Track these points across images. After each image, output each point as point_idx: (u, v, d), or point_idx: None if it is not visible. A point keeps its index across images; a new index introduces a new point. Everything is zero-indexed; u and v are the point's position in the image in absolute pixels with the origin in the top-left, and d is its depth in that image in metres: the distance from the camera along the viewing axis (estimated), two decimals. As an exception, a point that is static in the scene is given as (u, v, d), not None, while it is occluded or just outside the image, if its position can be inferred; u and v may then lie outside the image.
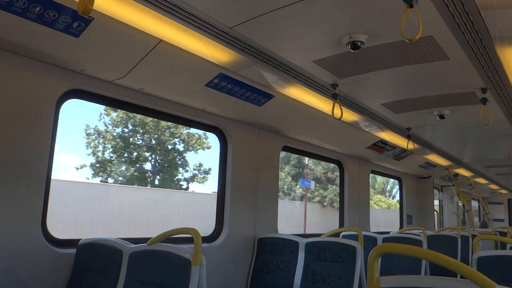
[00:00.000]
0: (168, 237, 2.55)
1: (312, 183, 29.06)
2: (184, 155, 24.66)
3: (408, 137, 5.44)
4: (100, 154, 21.78)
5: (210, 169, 25.17)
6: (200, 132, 24.49)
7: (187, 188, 24.61)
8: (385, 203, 36.20)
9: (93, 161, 21.60)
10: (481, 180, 10.55)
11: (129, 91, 3.19)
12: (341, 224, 6.08)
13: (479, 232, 6.88)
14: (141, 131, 22.73)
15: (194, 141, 24.38)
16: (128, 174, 22.45)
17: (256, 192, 4.34)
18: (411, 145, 5.53)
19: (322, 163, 28.35)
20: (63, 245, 2.82)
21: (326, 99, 3.82)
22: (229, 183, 4.06)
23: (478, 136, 6.00)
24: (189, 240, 3.49)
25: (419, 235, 4.86)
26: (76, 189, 15.79)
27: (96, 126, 22.22)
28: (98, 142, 21.68)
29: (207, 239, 3.91)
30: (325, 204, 29.43)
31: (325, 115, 4.15)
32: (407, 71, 3.35)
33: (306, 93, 3.72)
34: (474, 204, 13.55)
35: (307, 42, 2.87)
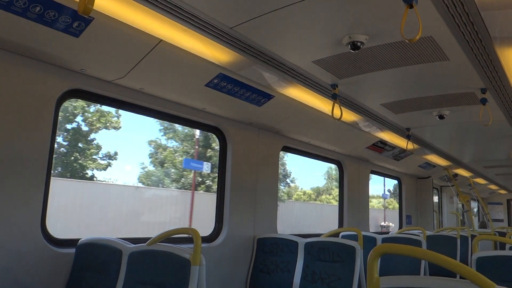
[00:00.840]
0: (167, 237, 2.55)
1: (206, 165, 21.82)
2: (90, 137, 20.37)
3: (408, 137, 5.44)
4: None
5: (116, 153, 21.23)
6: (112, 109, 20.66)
7: (92, 178, 20.56)
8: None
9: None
10: (481, 181, 10.56)
11: (129, 91, 3.19)
12: (341, 224, 6.08)
13: (478, 232, 6.89)
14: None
15: (95, 118, 20.05)
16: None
17: (256, 192, 4.34)
18: (410, 146, 5.54)
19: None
20: (63, 245, 2.82)
21: (326, 99, 3.82)
22: (229, 183, 4.06)
23: (477, 137, 6.00)
24: (189, 240, 3.49)
25: (419, 236, 4.87)
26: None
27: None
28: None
29: (207, 239, 3.91)
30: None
31: (325, 115, 4.15)
32: (407, 71, 3.36)
33: (306, 94, 3.72)
34: (473, 204, 13.56)
35: (307, 42, 2.87)
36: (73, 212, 14.23)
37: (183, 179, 24.00)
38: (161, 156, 24.22)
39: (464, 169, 8.59)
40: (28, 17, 2.18)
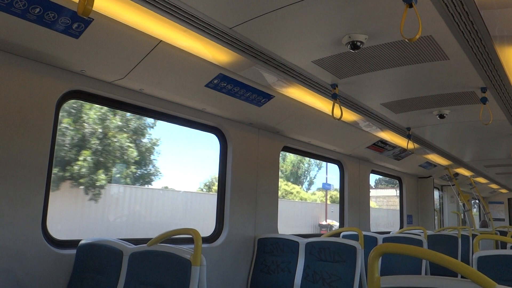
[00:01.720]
0: (168, 238, 2.55)
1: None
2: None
3: (408, 137, 5.44)
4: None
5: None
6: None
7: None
8: (296, 194, 28.73)
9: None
10: (481, 180, 10.55)
11: (129, 92, 3.19)
12: (341, 224, 6.08)
13: (479, 231, 6.88)
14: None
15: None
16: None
17: (256, 192, 4.34)
18: (411, 145, 5.54)
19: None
20: (63, 246, 2.82)
21: (326, 99, 3.82)
22: (229, 184, 4.06)
23: (478, 136, 6.00)
24: (189, 241, 3.49)
25: (420, 235, 4.87)
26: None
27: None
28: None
29: (207, 240, 3.91)
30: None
31: (325, 115, 4.15)
32: (407, 71, 3.35)
33: (306, 93, 3.72)
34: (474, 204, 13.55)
35: (306, 42, 2.87)
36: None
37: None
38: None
39: (465, 168, 8.59)
40: (28, 18, 2.18)
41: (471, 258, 2.78)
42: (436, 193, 10.15)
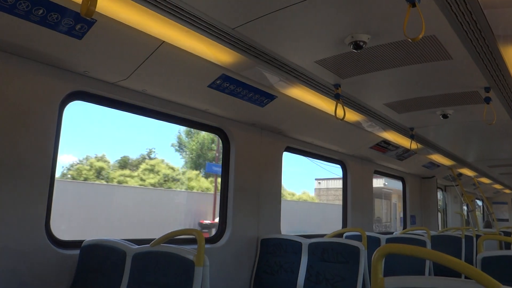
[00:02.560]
0: (171, 238, 2.55)
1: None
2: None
3: (411, 137, 5.42)
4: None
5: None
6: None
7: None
8: (186, 183, 22.42)
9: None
10: (485, 180, 10.51)
11: (132, 92, 3.20)
12: (344, 224, 6.07)
13: (483, 232, 6.85)
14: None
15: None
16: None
17: (259, 192, 4.33)
18: (414, 145, 5.52)
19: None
20: (67, 246, 2.83)
21: (329, 99, 3.82)
22: (232, 184, 4.06)
23: (481, 136, 5.98)
24: (192, 241, 3.49)
25: (423, 236, 4.85)
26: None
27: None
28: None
29: (210, 240, 3.91)
30: None
31: (328, 115, 4.14)
32: (410, 70, 3.35)
33: (309, 94, 3.71)
34: (478, 203, 13.50)
35: (309, 42, 2.87)
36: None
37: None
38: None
39: (469, 168, 8.56)
40: (31, 19, 2.19)
41: (475, 258, 2.77)
42: (439, 194, 10.12)
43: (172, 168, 24.26)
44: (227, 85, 3.29)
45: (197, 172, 25.52)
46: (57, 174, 2.83)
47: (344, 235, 5.06)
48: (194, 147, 26.47)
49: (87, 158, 23.39)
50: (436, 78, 3.52)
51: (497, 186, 12.06)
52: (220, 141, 4.21)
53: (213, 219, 17.79)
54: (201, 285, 2.21)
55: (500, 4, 2.33)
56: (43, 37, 2.35)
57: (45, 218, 2.68)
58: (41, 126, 2.66)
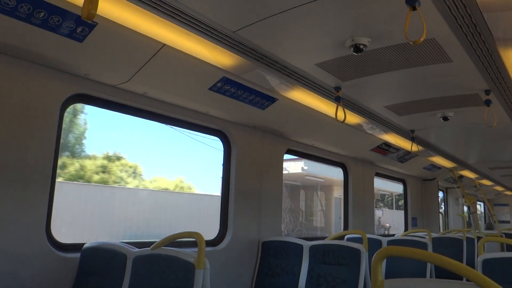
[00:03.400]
0: (171, 241, 2.55)
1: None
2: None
3: (412, 139, 5.42)
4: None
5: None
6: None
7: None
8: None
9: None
10: (486, 182, 10.50)
11: (133, 95, 3.20)
12: (346, 226, 6.07)
13: (484, 234, 6.84)
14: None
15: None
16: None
17: (260, 195, 4.33)
18: (415, 147, 5.52)
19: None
20: (68, 249, 2.83)
21: (330, 102, 3.82)
22: (233, 187, 4.06)
23: (482, 138, 5.98)
24: (193, 244, 3.49)
25: (424, 238, 4.84)
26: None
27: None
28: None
29: (211, 243, 3.91)
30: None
31: (329, 118, 4.15)
32: (410, 73, 3.35)
33: (309, 96, 3.72)
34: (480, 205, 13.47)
35: (310, 45, 2.87)
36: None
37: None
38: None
39: (470, 170, 8.55)
40: (33, 22, 2.19)
41: (476, 260, 2.76)
42: (440, 195, 10.11)
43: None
44: (228, 87, 3.30)
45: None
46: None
47: (345, 237, 5.06)
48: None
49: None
50: (436, 80, 3.52)
51: (499, 188, 12.04)
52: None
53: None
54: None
55: (500, 7, 2.33)
56: (44, 40, 2.36)
57: (46, 221, 2.68)
58: (42, 129, 2.67)
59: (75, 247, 2.86)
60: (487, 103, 3.74)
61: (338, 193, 18.29)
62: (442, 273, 4.20)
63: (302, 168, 16.48)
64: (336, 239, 4.09)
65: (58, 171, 2.82)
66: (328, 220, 19.47)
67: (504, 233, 7.37)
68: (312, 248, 3.76)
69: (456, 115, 4.51)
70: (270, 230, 4.40)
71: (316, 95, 3.67)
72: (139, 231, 13.13)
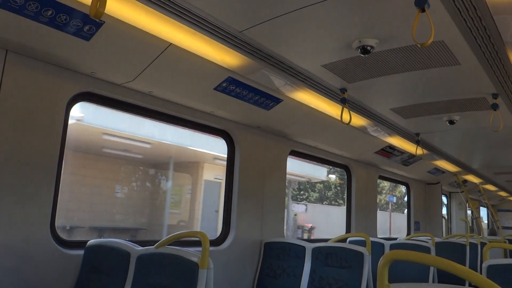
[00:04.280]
0: (175, 240, 2.55)
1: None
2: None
3: (417, 142, 5.40)
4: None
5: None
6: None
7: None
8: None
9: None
10: (490, 187, 10.45)
11: (138, 94, 3.20)
12: (348, 229, 6.05)
13: (488, 239, 6.80)
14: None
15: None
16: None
17: (263, 196, 4.32)
18: (419, 151, 5.50)
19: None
20: (71, 246, 2.83)
21: (335, 103, 3.81)
22: (236, 187, 4.06)
23: (488, 143, 5.94)
24: (196, 243, 3.48)
25: (427, 242, 4.82)
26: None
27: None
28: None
29: (214, 243, 3.90)
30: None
31: (334, 119, 4.13)
32: (417, 76, 3.33)
33: (315, 98, 3.70)
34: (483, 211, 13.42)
35: (316, 46, 2.86)
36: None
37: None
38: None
39: (474, 175, 8.51)
40: (40, 20, 2.19)
41: (479, 266, 2.74)
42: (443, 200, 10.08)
43: None
44: (233, 87, 3.29)
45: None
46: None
47: (348, 240, 5.04)
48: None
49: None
50: (443, 83, 3.50)
51: (503, 194, 11.99)
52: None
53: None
54: (205, 287, 2.21)
55: (510, 10, 2.31)
56: (51, 38, 2.36)
57: (51, 217, 2.69)
58: (48, 126, 2.67)
59: (79, 244, 2.86)
60: (494, 107, 3.72)
61: (212, 174, 12.11)
62: (444, 277, 4.18)
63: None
64: (338, 241, 4.07)
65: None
66: (192, 215, 12.13)
67: (508, 239, 7.33)
68: (314, 250, 3.75)
69: (462, 118, 4.49)
70: (273, 231, 4.38)
71: (322, 96, 3.66)
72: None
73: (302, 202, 22.82)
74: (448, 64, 3.02)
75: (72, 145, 8.55)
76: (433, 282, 4.31)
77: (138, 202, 11.81)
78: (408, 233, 7.87)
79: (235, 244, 3.95)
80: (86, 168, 10.18)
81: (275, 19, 2.48)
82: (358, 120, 4.36)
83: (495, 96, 3.60)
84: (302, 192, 24.38)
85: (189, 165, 12.13)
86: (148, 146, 10.08)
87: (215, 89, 3.24)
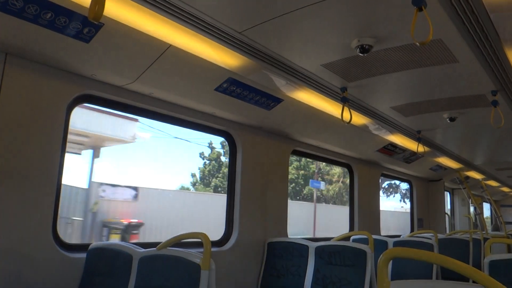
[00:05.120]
0: (177, 242, 2.56)
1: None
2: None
3: (418, 140, 5.40)
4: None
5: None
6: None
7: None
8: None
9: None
10: (493, 183, 10.44)
11: (139, 96, 3.21)
12: (351, 227, 6.05)
13: (491, 235, 6.80)
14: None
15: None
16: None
17: (266, 195, 4.33)
18: (421, 148, 5.50)
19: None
20: (74, 249, 2.84)
21: (335, 102, 3.81)
22: (238, 187, 4.06)
23: (489, 139, 5.94)
24: (199, 245, 3.49)
25: (430, 239, 4.82)
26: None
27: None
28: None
29: (217, 243, 3.91)
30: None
31: (334, 118, 4.14)
32: (417, 74, 3.34)
33: (315, 97, 3.71)
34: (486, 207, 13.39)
35: (315, 46, 2.87)
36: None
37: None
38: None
39: (476, 171, 8.50)
40: (40, 23, 2.21)
41: (483, 262, 2.74)
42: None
43: None
44: (234, 88, 3.30)
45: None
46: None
47: (351, 238, 5.04)
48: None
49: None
50: (442, 81, 3.50)
51: (505, 189, 11.96)
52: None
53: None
54: None
55: (507, 7, 2.32)
56: (51, 40, 2.37)
57: (52, 221, 2.70)
58: (48, 129, 2.68)
59: (81, 247, 2.87)
60: (494, 103, 3.72)
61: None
62: (448, 274, 4.19)
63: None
64: (341, 240, 4.08)
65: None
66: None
67: (511, 235, 7.32)
68: (318, 249, 3.76)
69: (463, 115, 4.49)
70: (276, 231, 4.39)
71: (322, 95, 3.67)
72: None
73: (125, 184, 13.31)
74: (447, 62, 3.03)
75: None
76: (437, 278, 4.31)
77: None
78: (411, 230, 7.87)
79: (238, 244, 3.96)
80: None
81: (274, 20, 2.48)
82: (359, 119, 4.36)
83: (494, 92, 3.60)
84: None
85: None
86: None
87: (216, 89, 3.25)
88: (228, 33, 2.61)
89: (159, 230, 12.01)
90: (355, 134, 4.94)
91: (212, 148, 25.12)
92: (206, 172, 25.00)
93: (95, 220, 11.01)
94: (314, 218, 19.40)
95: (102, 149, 11.25)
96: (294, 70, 3.21)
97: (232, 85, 3.25)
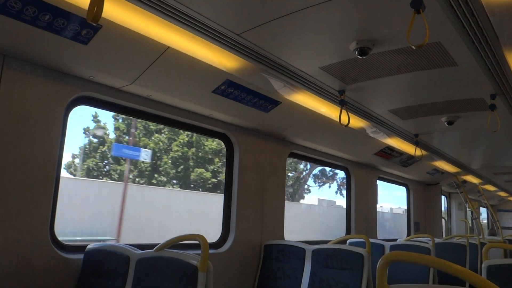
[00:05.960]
0: (175, 244, 2.55)
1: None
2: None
3: (416, 143, 5.41)
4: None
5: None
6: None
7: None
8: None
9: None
10: (490, 187, 10.46)
11: (137, 97, 3.21)
12: (348, 231, 6.04)
13: (488, 240, 6.80)
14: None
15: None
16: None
17: (263, 198, 4.32)
18: (418, 152, 5.50)
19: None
20: (71, 250, 2.83)
21: (333, 105, 3.81)
22: (235, 189, 4.06)
23: (487, 143, 5.95)
24: (196, 246, 3.48)
25: (427, 243, 4.82)
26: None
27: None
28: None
29: (213, 246, 3.90)
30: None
31: (332, 121, 4.14)
32: (415, 77, 3.34)
33: (313, 100, 3.71)
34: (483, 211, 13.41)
35: (314, 48, 2.87)
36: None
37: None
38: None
39: (473, 175, 8.52)
40: (38, 25, 2.20)
41: (479, 266, 2.74)
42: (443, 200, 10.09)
43: None
44: (232, 90, 3.29)
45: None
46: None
47: (348, 241, 5.04)
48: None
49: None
50: (441, 84, 3.51)
51: (502, 194, 11.99)
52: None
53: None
54: None
55: (506, 11, 2.32)
56: (49, 42, 2.36)
57: (49, 222, 2.68)
58: (46, 130, 2.67)
59: (78, 248, 2.85)
60: (492, 107, 3.73)
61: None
62: (444, 278, 4.18)
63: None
64: (338, 243, 4.07)
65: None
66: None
67: (508, 239, 7.33)
68: (314, 252, 3.75)
69: (461, 119, 4.49)
70: (273, 233, 4.38)
71: (320, 98, 3.66)
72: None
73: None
74: (446, 65, 3.03)
75: None
76: (434, 283, 4.30)
77: None
78: (408, 234, 7.87)
79: (235, 246, 3.95)
80: None
81: (272, 22, 2.48)
82: (356, 122, 4.36)
83: (493, 96, 3.61)
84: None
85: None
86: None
87: (214, 92, 3.25)
88: (226, 35, 2.61)
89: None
90: (353, 137, 4.95)
91: (97, 122, 19.06)
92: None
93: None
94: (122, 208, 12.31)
95: None
96: (292, 73, 3.21)
97: (229, 87, 3.25)
